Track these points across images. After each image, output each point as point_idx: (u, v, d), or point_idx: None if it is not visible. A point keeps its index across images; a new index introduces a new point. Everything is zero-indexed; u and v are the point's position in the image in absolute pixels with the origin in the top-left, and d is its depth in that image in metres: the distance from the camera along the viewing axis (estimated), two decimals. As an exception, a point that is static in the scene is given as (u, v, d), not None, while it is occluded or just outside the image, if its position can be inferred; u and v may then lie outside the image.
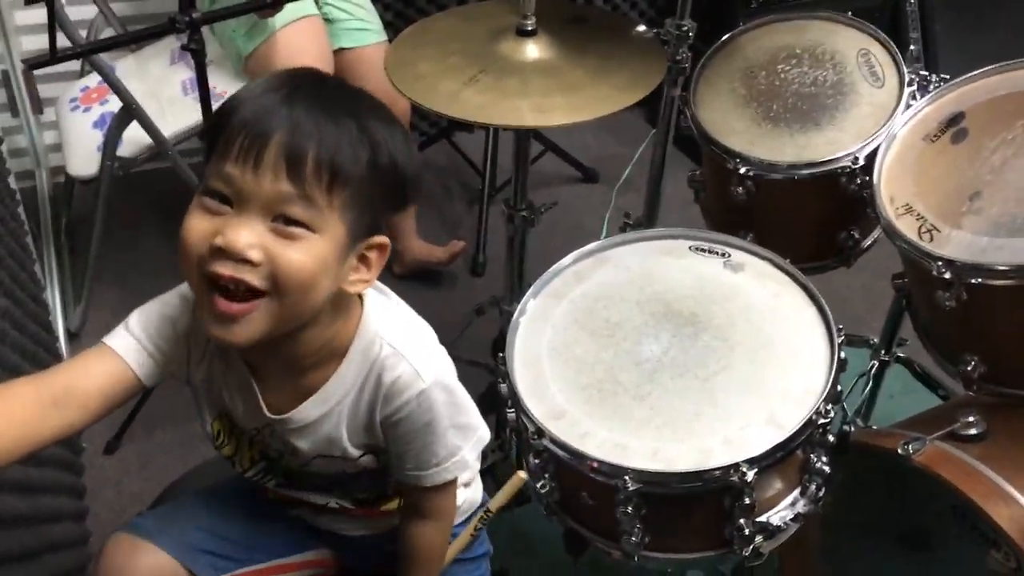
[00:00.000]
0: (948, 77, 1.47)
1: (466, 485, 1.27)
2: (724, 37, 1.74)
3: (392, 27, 2.41)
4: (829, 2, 1.86)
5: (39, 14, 1.48)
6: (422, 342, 1.07)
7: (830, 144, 1.56)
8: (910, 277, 1.43)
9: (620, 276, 1.39)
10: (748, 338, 1.27)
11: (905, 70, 1.57)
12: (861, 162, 1.51)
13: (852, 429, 1.58)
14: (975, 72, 1.43)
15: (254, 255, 0.89)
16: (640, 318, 1.31)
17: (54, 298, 2.31)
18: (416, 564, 1.18)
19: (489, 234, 2.58)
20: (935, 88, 1.48)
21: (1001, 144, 1.33)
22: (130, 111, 2.07)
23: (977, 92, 1.42)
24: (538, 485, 1.23)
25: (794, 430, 1.15)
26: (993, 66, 1.41)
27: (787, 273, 1.36)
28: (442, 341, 1.11)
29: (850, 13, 1.69)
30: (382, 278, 1.04)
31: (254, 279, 0.89)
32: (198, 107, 1.69)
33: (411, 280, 2.44)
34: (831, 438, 1.20)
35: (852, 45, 1.66)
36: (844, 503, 1.37)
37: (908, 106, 1.50)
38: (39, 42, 1.52)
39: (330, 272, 0.94)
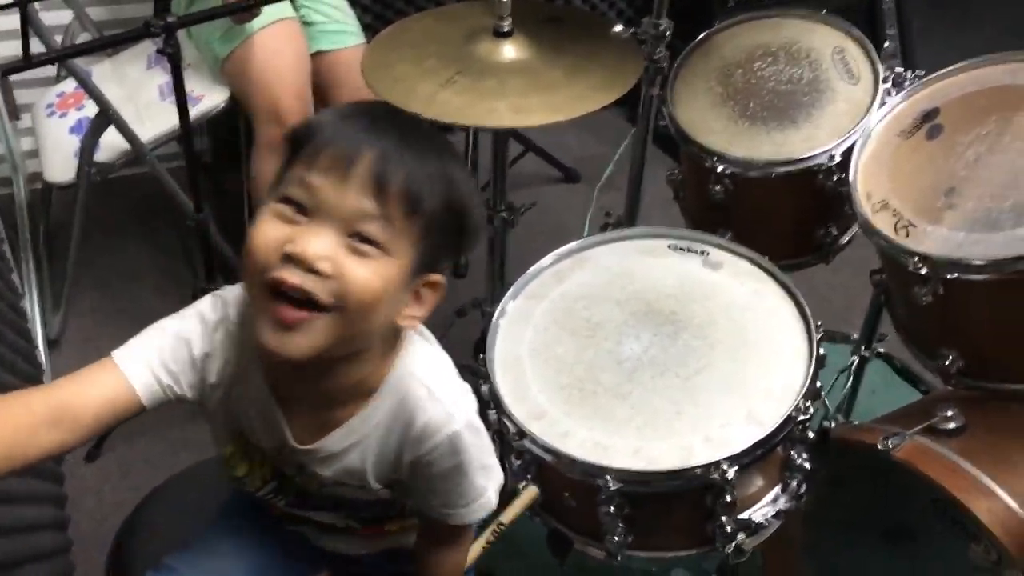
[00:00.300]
0: (923, 73, 1.47)
1: None
2: (700, 36, 1.74)
3: (371, 29, 2.39)
4: (806, -1, 1.86)
5: (13, 19, 1.47)
6: (453, 383, 1.05)
7: (807, 141, 1.56)
8: (888, 273, 1.44)
9: (600, 276, 1.39)
10: (728, 336, 1.28)
11: (880, 67, 1.58)
12: (838, 159, 1.52)
13: (833, 425, 1.59)
14: (949, 68, 1.43)
15: (324, 266, 0.87)
16: (620, 317, 1.32)
17: (33, 306, 2.29)
18: None
19: (471, 236, 2.56)
20: (910, 84, 1.49)
21: (975, 140, 1.34)
22: (107, 116, 2.05)
23: (951, 88, 1.42)
24: (520, 486, 1.23)
25: (774, 427, 1.16)
26: (966, 62, 1.42)
27: (766, 271, 1.37)
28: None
29: (825, 10, 1.69)
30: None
31: (320, 292, 0.88)
32: (175, 111, 1.68)
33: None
34: (811, 434, 1.21)
35: (827, 42, 1.66)
36: (826, 499, 1.37)
37: (883, 103, 1.51)
38: (13, 48, 1.50)
39: (392, 299, 0.93)
